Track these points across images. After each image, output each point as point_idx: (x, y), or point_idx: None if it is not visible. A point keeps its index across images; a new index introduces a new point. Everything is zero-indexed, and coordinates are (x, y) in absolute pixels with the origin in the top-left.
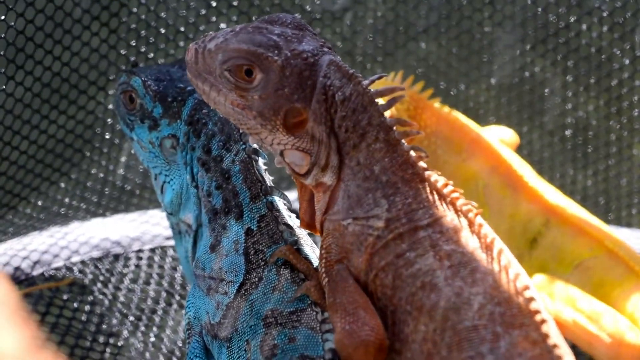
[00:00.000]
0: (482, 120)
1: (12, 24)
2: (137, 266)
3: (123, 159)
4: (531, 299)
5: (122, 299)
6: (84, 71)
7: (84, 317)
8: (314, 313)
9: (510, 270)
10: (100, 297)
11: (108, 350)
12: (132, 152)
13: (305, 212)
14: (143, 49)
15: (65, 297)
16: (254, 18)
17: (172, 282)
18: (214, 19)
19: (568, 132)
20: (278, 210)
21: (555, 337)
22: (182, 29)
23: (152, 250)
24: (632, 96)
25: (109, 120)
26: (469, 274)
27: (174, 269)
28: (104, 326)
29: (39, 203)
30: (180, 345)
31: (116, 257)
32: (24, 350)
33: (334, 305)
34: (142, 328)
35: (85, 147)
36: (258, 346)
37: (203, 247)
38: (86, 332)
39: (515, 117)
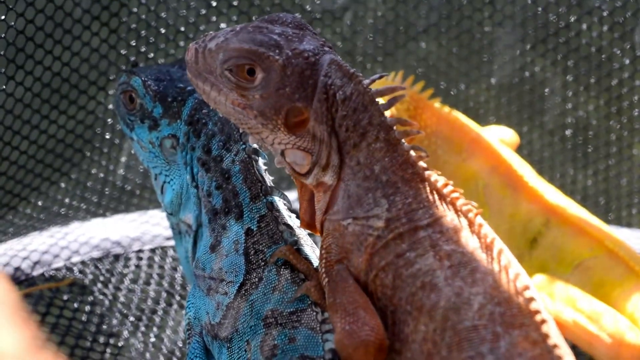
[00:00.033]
0: (482, 120)
1: (12, 23)
2: (138, 266)
3: (123, 159)
4: (531, 299)
5: (122, 299)
6: (84, 71)
7: (84, 318)
8: (314, 313)
9: (510, 270)
10: (101, 297)
11: (108, 350)
12: (132, 152)
13: (305, 212)
14: (143, 49)
15: (65, 297)
16: (254, 18)
17: (172, 283)
18: (214, 18)
19: (568, 132)
20: (278, 211)
21: (556, 337)
22: (182, 28)
23: (153, 250)
24: (632, 96)
25: (109, 120)
26: (469, 274)
27: (174, 269)
28: (104, 326)
29: (39, 203)
30: (181, 345)
31: (116, 257)
32: (24, 350)
33: (334, 306)
34: (143, 328)
35: (86, 147)
36: (258, 346)
37: (203, 248)
38: (86, 332)
39: (515, 117)
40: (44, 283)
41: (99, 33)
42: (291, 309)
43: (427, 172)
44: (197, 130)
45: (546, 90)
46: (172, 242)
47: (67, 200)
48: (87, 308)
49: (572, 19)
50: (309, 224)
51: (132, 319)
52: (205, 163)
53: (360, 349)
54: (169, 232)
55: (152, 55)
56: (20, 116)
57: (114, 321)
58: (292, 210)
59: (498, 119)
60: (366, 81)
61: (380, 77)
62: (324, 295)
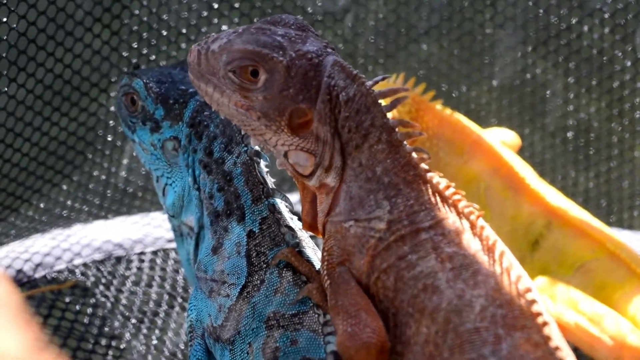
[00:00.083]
0: (483, 122)
1: (14, 26)
2: (139, 269)
3: (125, 161)
4: (533, 301)
5: (124, 301)
6: (86, 73)
7: (86, 320)
8: (316, 315)
9: (512, 272)
10: (103, 299)
11: (110, 352)
12: (134, 154)
13: (307, 213)
14: (145, 51)
15: (67, 299)
16: (255, 20)
17: (174, 285)
18: (215, 20)
19: (570, 134)
20: (280, 213)
21: (557, 340)
22: (184, 31)
23: (154, 252)
24: (634, 98)
25: (110, 122)
26: (470, 276)
27: (176, 271)
28: (106, 329)
29: (41, 205)
30: (183, 347)
31: (118, 259)
32: (26, 352)
33: (336, 308)
34: (144, 330)
35: (87, 150)
36: (260, 349)
37: (205, 250)
38: (88, 334)
39: (516, 119)
40: (46, 285)
41: (101, 35)
42: (293, 311)
43: (429, 174)
44: (199, 133)
45: (548, 92)
46: (173, 245)
47: (69, 202)
48: (89, 310)
49: (574, 21)
50: (311, 226)
51: (134, 321)
52: (207, 165)
53: (362, 351)
54: (170, 235)
55: (153, 57)
56: (22, 118)
57: (116, 323)
58: (293, 213)
59: (499, 121)
60: (369, 82)
61: (383, 79)
62: (326, 298)
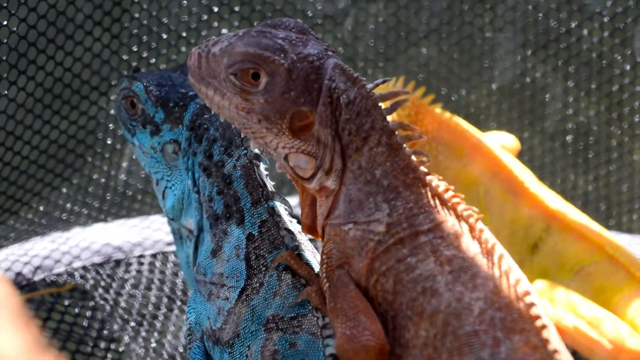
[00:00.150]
0: (483, 126)
1: (15, 29)
2: (139, 272)
3: (125, 164)
4: (532, 304)
5: (123, 304)
6: (86, 76)
7: (85, 323)
8: (315, 318)
9: (510, 275)
10: (102, 302)
11: (109, 355)
12: (134, 157)
13: (307, 216)
14: (145, 55)
15: (66, 302)
16: (255, 23)
17: (173, 288)
18: (215, 24)
19: (569, 138)
20: (279, 216)
21: (556, 343)
22: (184, 34)
23: (154, 255)
24: (633, 102)
25: (110, 125)
26: (469, 279)
27: (175, 274)
28: (105, 332)
29: (41, 208)
30: (182, 350)
31: (117, 262)
32: (25, 353)
33: (335, 311)
34: (144, 333)
35: (87, 153)
36: (259, 351)
37: (204, 253)
38: (87, 337)
39: (516, 123)
40: (46, 288)
41: (101, 38)
42: (292, 314)
43: (428, 177)
44: (199, 136)
45: (547, 96)
46: (173, 248)
47: (68, 205)
48: (88, 313)
49: (573, 25)
50: (310, 229)
51: (133, 324)
52: (206, 168)
53: (361, 354)
54: (170, 238)
55: (153, 60)
56: (22, 121)
57: (115, 326)
58: (293, 216)
59: (499, 125)
60: (369, 85)
61: (383, 82)
62: (325, 301)
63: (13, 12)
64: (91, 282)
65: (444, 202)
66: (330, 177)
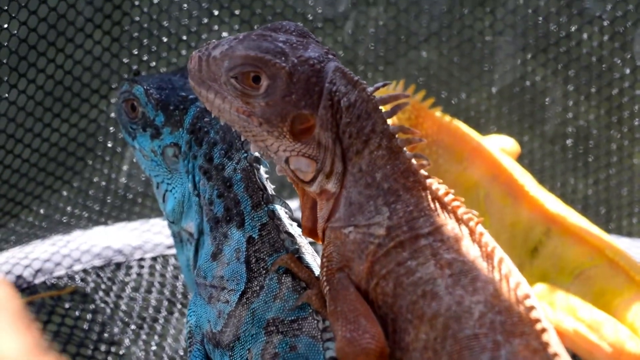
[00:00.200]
0: (483, 129)
1: (15, 32)
2: (139, 275)
3: (125, 167)
4: (532, 308)
5: (123, 307)
6: (87, 79)
7: (85, 326)
8: (315, 321)
9: (510, 279)
10: (102, 305)
11: (109, 358)
12: (134, 160)
13: (307, 219)
14: (145, 58)
15: (67, 305)
16: (255, 27)
17: (173, 291)
18: (215, 27)
19: (569, 141)
20: (279, 219)
21: (556, 346)
22: (184, 37)
23: (154, 258)
24: (632, 105)
25: (111, 128)
26: (469, 283)
27: (176, 277)
28: (106, 335)
29: (41, 211)
30: (182, 354)
31: (118, 265)
32: (26, 355)
33: (335, 314)
34: (144, 336)
35: (88, 156)
36: (259, 354)
37: (204, 256)
38: (88, 340)
39: (516, 126)
40: (46, 291)
41: (101, 41)
42: (292, 317)
43: (428, 180)
44: (199, 139)
45: (547, 99)
46: (173, 251)
47: (69, 208)
48: (89, 316)
49: (573, 29)
50: (311, 232)
51: (133, 327)
52: (207, 171)
53: (360, 357)
54: (170, 241)
55: (154, 63)
56: (23, 124)
57: (116, 329)
58: (293, 219)
59: (499, 128)
60: (370, 89)
61: (384, 86)
62: (325, 304)
63: (14, 15)
64: (92, 285)
65: (444, 206)
66: (331, 180)
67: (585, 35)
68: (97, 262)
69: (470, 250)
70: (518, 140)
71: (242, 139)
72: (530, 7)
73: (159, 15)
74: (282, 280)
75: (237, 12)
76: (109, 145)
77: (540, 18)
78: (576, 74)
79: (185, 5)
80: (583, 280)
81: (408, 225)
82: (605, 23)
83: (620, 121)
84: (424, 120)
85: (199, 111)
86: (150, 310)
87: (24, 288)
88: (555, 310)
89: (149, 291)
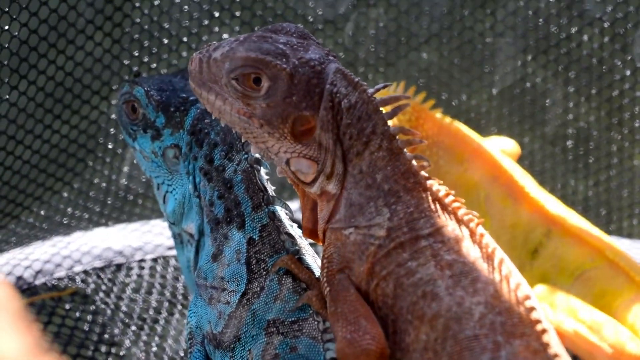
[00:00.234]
0: (483, 131)
1: (16, 33)
2: (139, 276)
3: (125, 168)
4: (532, 309)
5: (124, 308)
6: (87, 81)
7: (86, 327)
8: (316, 322)
9: (511, 279)
10: (103, 306)
11: (110, 359)
12: (135, 161)
13: (308, 220)
14: (146, 59)
15: (67, 306)
16: (256, 28)
17: (174, 292)
18: (216, 29)
19: (569, 143)
20: (280, 220)
21: (556, 347)
22: (185, 39)
23: (154, 260)
24: (633, 107)
25: (111, 129)
26: (470, 284)
27: (176, 278)
28: (106, 336)
29: (42, 212)
30: (182, 355)
31: (118, 266)
32: (27, 356)
33: (336, 315)
34: (144, 338)
35: (88, 157)
36: (260, 355)
37: (205, 257)
38: (88, 341)
39: (516, 128)
40: (46, 292)
41: (102, 43)
42: (293, 318)
43: (429, 182)
44: (200, 140)
45: (547, 101)
46: (174, 252)
47: (69, 209)
48: (89, 317)
49: (573, 30)
50: (311, 233)
51: (134, 328)
52: (207, 172)
53: (361, 358)
54: (171, 242)
55: (154, 65)
56: (24, 126)
57: (116, 330)
58: (293, 220)
59: (499, 130)
60: (370, 90)
61: (384, 87)
62: (326, 305)
63: (14, 16)
64: (92, 286)
65: (444, 207)
66: (332, 181)
67: (585, 37)
68: (98, 264)
69: (470, 251)
70: (518, 142)
71: (243, 140)
72: (531, 9)
73: (160, 17)
74: (283, 282)
75: (237, 13)
76: (110, 146)
77: (541, 20)
78: (577, 75)
79: (186, 7)
80: (583, 282)
81: (408, 227)
82: (606, 25)
83: (620, 123)
84: (424, 122)
85: (200, 112)
86: (151, 312)
87: (25, 289)
88: (555, 311)
89: (149, 292)
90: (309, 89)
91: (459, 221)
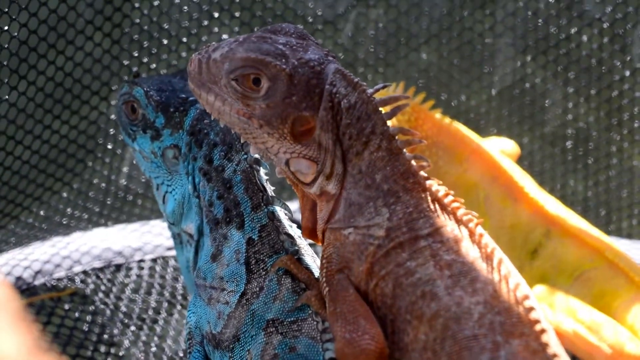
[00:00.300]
0: (483, 132)
1: (16, 34)
2: (139, 276)
3: (125, 169)
4: (531, 309)
5: (123, 309)
6: (87, 81)
7: (85, 327)
8: (315, 323)
9: (510, 279)
10: (102, 307)
11: (109, 359)
12: (134, 162)
13: (307, 221)
14: (145, 60)
15: (66, 307)
16: (255, 29)
17: (173, 292)
18: (216, 29)
19: (569, 144)
20: (279, 220)
21: (555, 347)
22: (185, 39)
23: (154, 260)
24: (632, 108)
25: (111, 130)
26: (469, 284)
27: (176, 279)
28: (106, 336)
29: (41, 213)
30: (182, 355)
31: (118, 267)
32: (26, 356)
33: (335, 314)
34: (144, 338)
35: (88, 157)
36: (259, 355)
37: (204, 257)
38: (88, 342)
39: (516, 128)
40: (46, 293)
41: (102, 44)
42: (292, 318)
43: (428, 182)
44: (199, 141)
45: (547, 101)
46: (173, 252)
47: (68, 209)
48: (89, 318)
49: (573, 31)
50: (310, 234)
51: (133, 328)
52: (207, 173)
53: (360, 358)
54: (170, 242)
55: (154, 66)
56: (23, 126)
57: (115, 331)
58: (293, 220)
59: (499, 130)
60: (370, 90)
61: (383, 87)
62: (325, 305)
63: (14, 17)
64: (91, 286)
65: (443, 207)
66: (331, 181)
67: (585, 38)
68: (97, 264)
69: (469, 251)
70: (518, 142)
71: (242, 140)
72: (530, 10)
73: (159, 18)
74: (282, 282)
75: (237, 14)
76: (109, 146)
77: (540, 20)
78: (576, 76)
79: (186, 7)
80: (583, 282)
81: (408, 227)
82: (605, 25)
83: (620, 123)
84: (423, 122)
85: (199, 113)
86: (150, 312)
87: (24, 289)
88: (554, 311)
89: (148, 292)
90: (309, 89)
91: (458, 221)
